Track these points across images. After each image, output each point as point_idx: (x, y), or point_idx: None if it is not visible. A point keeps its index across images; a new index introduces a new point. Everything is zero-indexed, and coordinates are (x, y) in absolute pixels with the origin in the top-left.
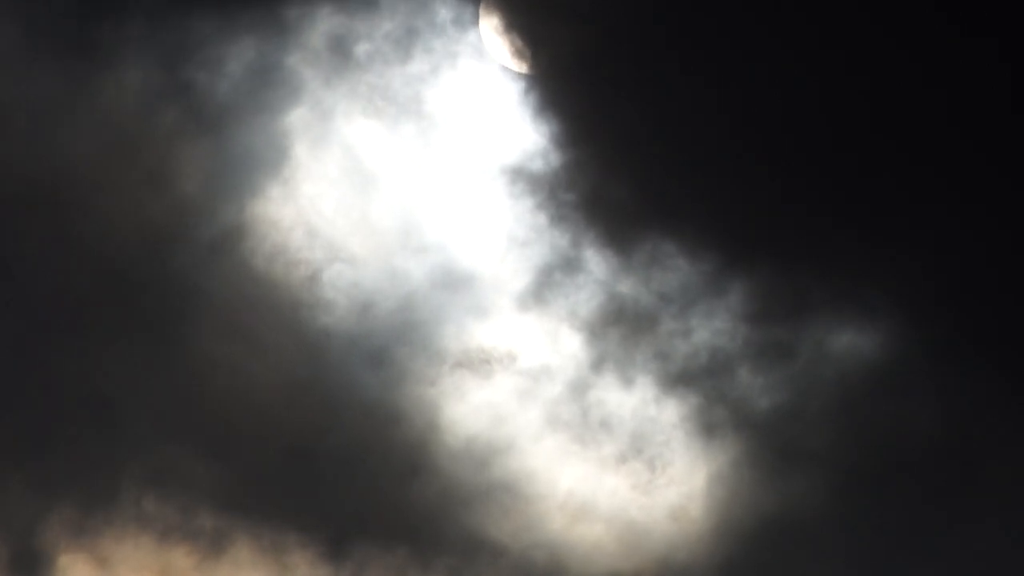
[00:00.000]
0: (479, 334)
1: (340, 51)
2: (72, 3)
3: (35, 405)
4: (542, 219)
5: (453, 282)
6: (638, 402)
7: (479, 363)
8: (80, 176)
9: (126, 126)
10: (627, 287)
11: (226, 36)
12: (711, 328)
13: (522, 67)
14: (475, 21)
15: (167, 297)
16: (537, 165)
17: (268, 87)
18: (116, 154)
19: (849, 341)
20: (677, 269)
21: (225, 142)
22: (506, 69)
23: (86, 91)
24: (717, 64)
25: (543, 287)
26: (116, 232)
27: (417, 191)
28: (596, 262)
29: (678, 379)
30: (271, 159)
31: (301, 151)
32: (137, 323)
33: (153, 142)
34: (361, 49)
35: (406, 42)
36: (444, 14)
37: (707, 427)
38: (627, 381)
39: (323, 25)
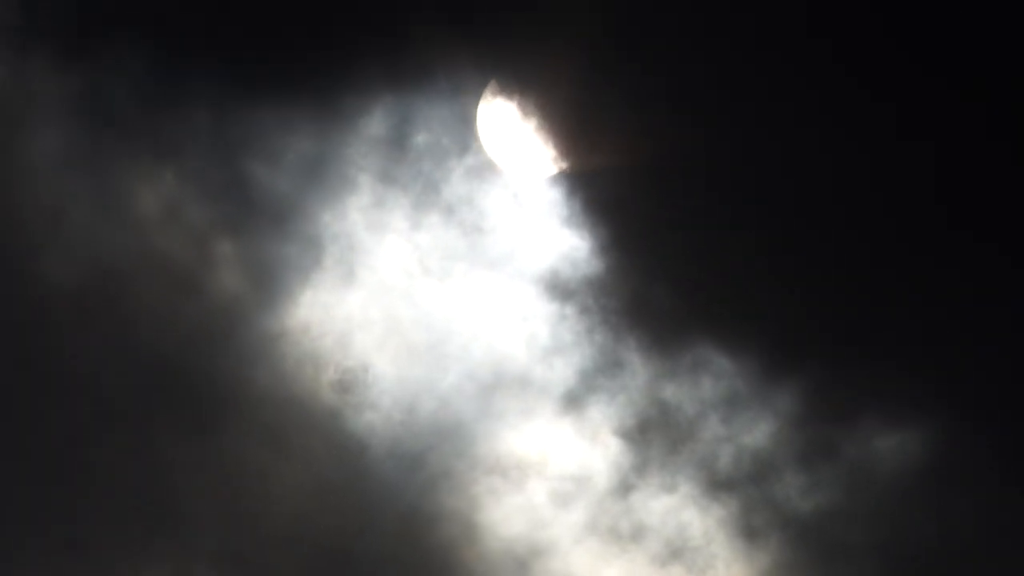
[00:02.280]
0: (518, 438)
1: (386, 153)
2: (135, 94)
3: (54, 512)
4: (583, 324)
5: (495, 386)
6: (678, 504)
7: (517, 467)
8: (134, 273)
9: (184, 221)
10: (669, 392)
11: (273, 133)
12: (754, 432)
13: (563, 170)
14: (515, 126)
15: (206, 397)
16: (579, 269)
17: (315, 185)
18: (167, 250)
19: (893, 443)
20: (720, 375)
21: (266, 241)
22: (547, 173)
23: (143, 186)
24: (759, 167)
25: (587, 391)
26: (159, 332)
27: (458, 294)
28: (638, 367)
29: (721, 484)
30: (309, 262)
31: (342, 251)
32: (168, 427)
33: (208, 237)
34: (407, 150)
35: (447, 148)
36: (482, 122)
37: (748, 529)
38: (668, 487)
39: (368, 127)
